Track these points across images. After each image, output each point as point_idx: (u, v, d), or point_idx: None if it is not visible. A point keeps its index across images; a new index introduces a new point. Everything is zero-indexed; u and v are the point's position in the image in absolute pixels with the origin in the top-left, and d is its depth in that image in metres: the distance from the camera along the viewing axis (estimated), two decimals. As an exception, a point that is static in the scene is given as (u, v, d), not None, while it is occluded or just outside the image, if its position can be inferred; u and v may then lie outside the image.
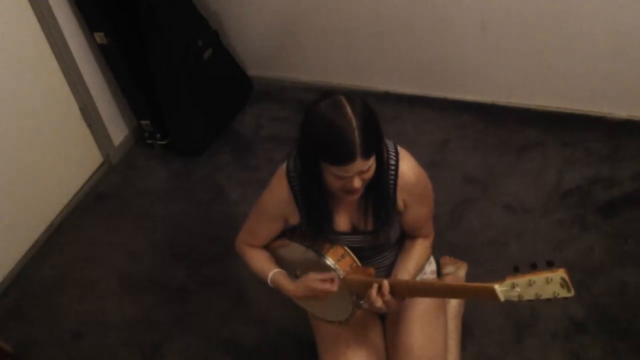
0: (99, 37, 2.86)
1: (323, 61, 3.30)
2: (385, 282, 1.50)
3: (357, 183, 1.41)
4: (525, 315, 2.19)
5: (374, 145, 1.39)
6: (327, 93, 1.41)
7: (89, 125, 3.03)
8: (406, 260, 1.67)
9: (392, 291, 1.50)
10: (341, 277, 1.59)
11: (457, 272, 2.25)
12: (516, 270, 1.28)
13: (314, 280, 1.60)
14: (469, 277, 2.25)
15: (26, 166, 2.73)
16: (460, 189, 2.71)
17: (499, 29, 2.80)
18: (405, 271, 1.63)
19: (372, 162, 1.40)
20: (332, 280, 1.58)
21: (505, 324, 2.18)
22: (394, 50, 3.08)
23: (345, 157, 1.35)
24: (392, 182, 1.55)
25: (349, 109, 1.35)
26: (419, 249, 1.69)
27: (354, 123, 1.33)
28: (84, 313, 2.51)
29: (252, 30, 3.33)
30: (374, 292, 1.51)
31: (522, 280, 1.26)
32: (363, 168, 1.38)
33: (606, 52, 2.70)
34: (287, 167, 1.59)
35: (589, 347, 2.09)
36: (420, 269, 1.71)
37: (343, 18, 3.06)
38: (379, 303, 1.51)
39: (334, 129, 1.34)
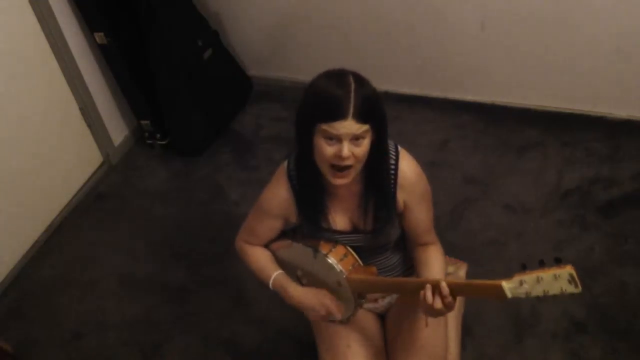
0: (99, 37, 2.86)
1: (323, 61, 3.25)
2: (444, 283, 1.41)
3: (347, 151, 1.38)
4: (525, 315, 2.19)
5: (370, 114, 1.38)
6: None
7: (89, 125, 3.04)
8: (432, 267, 1.63)
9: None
10: (344, 276, 1.59)
11: (457, 272, 2.24)
12: (524, 268, 1.28)
13: (326, 295, 1.63)
14: (469, 277, 2.24)
15: (26, 166, 2.73)
16: (460, 189, 2.71)
17: (499, 28, 2.80)
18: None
19: (365, 130, 1.38)
20: (339, 307, 1.63)
21: (505, 324, 2.18)
22: (394, 50, 3.08)
23: (337, 111, 1.35)
24: (392, 180, 1.55)
25: (351, 77, 1.38)
26: (437, 255, 1.66)
27: (353, 86, 1.36)
28: (84, 313, 2.51)
29: (252, 30, 3.33)
30: (429, 293, 1.42)
31: (530, 277, 1.27)
32: (355, 132, 1.36)
33: (606, 52, 2.70)
34: (288, 166, 1.59)
35: (589, 347, 2.09)
36: (444, 275, 1.70)
37: (343, 18, 3.06)
38: (438, 305, 1.41)
39: (331, 88, 1.37)
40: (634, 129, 2.83)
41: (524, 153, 2.82)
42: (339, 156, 1.39)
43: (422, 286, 1.44)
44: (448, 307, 1.42)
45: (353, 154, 1.40)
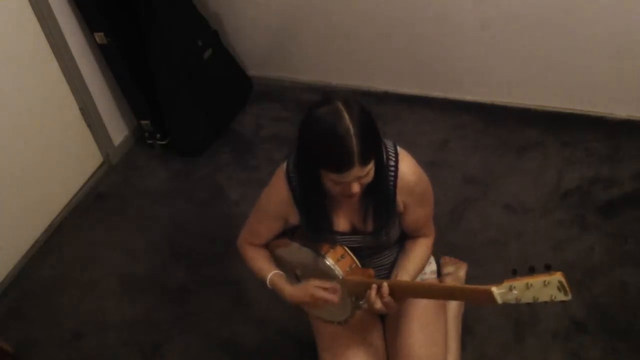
0: (99, 37, 2.86)
1: (323, 61, 3.30)
2: (385, 284, 1.50)
3: (356, 188, 1.42)
4: (525, 315, 2.19)
5: (372, 152, 1.39)
6: (325, 97, 1.40)
7: (89, 125, 3.04)
8: (406, 260, 1.67)
9: (392, 292, 1.51)
10: (340, 277, 1.58)
11: (457, 272, 2.25)
12: (514, 273, 1.28)
13: (314, 287, 1.60)
14: (469, 277, 2.25)
15: (26, 166, 2.73)
16: (460, 189, 2.71)
17: (499, 28, 2.80)
18: (406, 272, 1.63)
19: (370, 167, 1.40)
20: (333, 289, 1.59)
21: (505, 323, 2.18)
22: (394, 50, 3.08)
23: (343, 165, 1.35)
24: (392, 183, 1.55)
25: (346, 116, 1.34)
26: (420, 249, 1.69)
27: (352, 131, 1.33)
28: (84, 313, 2.51)
29: (252, 30, 3.33)
30: (373, 293, 1.51)
31: (519, 283, 1.26)
32: (361, 174, 1.39)
33: (606, 52, 2.70)
34: (287, 167, 1.59)
35: (589, 347, 2.09)
36: (421, 269, 1.71)
37: (343, 18, 3.06)
38: (378, 305, 1.51)
39: (331, 137, 1.34)
40: (634, 129, 2.83)
41: (524, 153, 2.82)
42: (348, 194, 1.43)
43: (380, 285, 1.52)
44: (387, 307, 1.52)
45: (361, 184, 1.43)
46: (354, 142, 1.33)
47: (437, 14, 2.86)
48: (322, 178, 1.43)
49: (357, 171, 1.37)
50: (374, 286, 1.52)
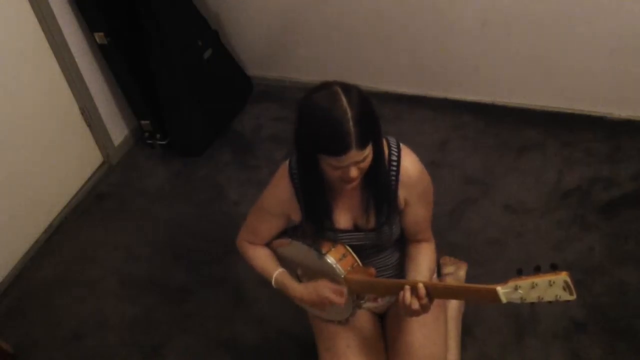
0: (99, 37, 2.86)
1: (323, 61, 3.29)
2: (421, 285, 1.45)
3: (354, 172, 1.40)
4: (525, 315, 2.19)
5: (370, 135, 1.38)
6: (323, 83, 1.40)
7: (89, 125, 3.04)
8: (419, 264, 1.65)
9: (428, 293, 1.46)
10: (342, 276, 1.59)
11: (457, 272, 2.25)
12: (519, 273, 1.28)
13: (325, 287, 1.60)
14: (469, 277, 2.25)
15: (26, 166, 2.73)
16: (460, 189, 2.71)
17: (499, 28, 2.80)
18: (422, 276, 1.61)
19: (368, 151, 1.39)
20: (341, 292, 1.58)
21: (505, 324, 2.18)
22: (394, 50, 3.08)
23: (340, 148, 1.34)
24: (393, 178, 1.55)
25: (344, 99, 1.34)
26: (428, 253, 1.68)
27: (349, 113, 1.33)
28: (84, 313, 2.51)
29: (252, 30, 3.33)
30: (407, 294, 1.46)
31: (524, 282, 1.26)
32: (359, 158, 1.37)
33: (606, 52, 2.70)
34: (290, 165, 1.59)
35: (589, 347, 2.09)
36: (433, 273, 1.70)
37: (343, 18, 3.06)
38: (415, 306, 1.46)
39: (329, 120, 1.34)
40: (634, 129, 2.83)
41: (524, 153, 2.82)
42: (347, 179, 1.42)
43: (415, 286, 1.46)
44: (424, 309, 1.47)
45: (359, 169, 1.42)
46: (351, 125, 1.32)
47: (438, 14, 2.86)
48: (321, 164, 1.42)
49: (354, 155, 1.35)
50: (407, 287, 1.47)
